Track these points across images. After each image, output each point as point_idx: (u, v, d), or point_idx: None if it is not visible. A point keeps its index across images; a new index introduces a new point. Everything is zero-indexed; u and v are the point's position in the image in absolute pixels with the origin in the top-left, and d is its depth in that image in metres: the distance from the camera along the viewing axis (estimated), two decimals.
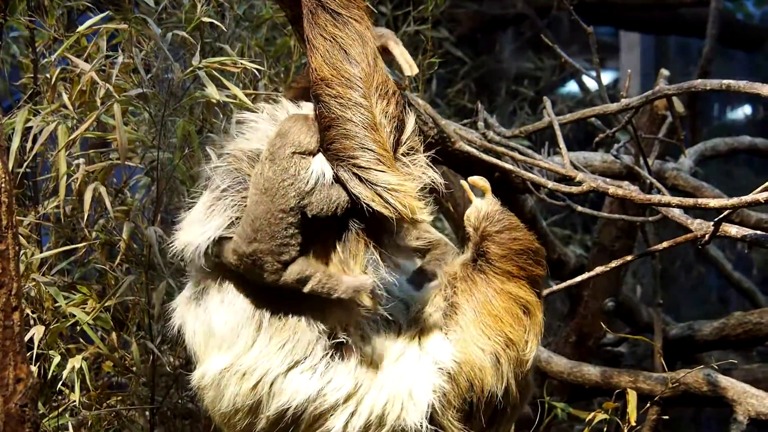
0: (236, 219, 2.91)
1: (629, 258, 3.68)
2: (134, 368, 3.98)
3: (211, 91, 3.70)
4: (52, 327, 3.74)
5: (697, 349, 5.33)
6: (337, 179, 2.86)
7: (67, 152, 3.81)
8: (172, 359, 4.08)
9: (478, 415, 3.08)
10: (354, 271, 2.92)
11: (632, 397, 3.87)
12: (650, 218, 3.99)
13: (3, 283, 2.80)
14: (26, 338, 3.33)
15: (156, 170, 3.96)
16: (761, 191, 2.91)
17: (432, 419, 3.00)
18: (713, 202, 3.07)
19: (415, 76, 3.20)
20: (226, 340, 2.97)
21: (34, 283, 3.80)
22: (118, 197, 4.14)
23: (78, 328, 3.84)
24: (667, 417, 4.18)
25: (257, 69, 3.85)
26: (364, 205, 2.82)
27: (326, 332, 2.94)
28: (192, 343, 3.06)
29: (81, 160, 3.91)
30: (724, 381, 3.97)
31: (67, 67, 3.88)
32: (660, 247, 3.55)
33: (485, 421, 3.11)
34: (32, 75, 4.18)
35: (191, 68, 3.74)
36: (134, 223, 4.00)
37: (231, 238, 2.89)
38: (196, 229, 2.95)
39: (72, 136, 3.71)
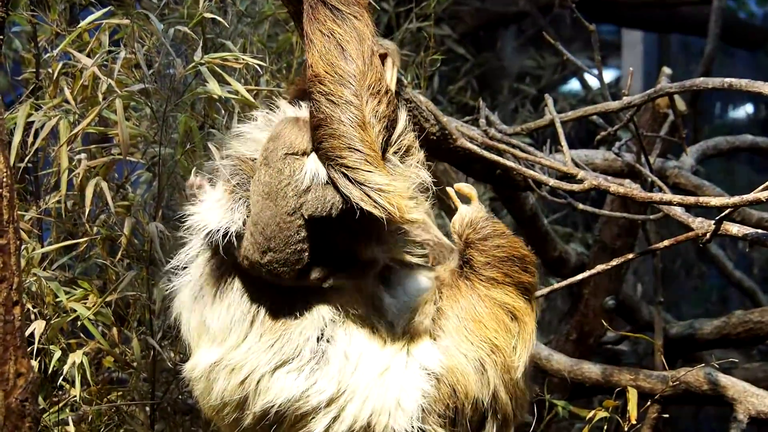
0: (247, 216, 2.94)
1: (630, 256, 3.68)
2: (135, 364, 3.98)
3: (213, 86, 3.70)
4: (52, 322, 3.75)
5: (697, 347, 5.32)
6: (329, 179, 2.87)
7: (69, 147, 3.81)
8: (172, 355, 4.08)
9: (463, 421, 3.07)
10: None
11: (633, 396, 3.87)
12: (651, 216, 3.98)
13: (4, 277, 2.81)
14: (27, 333, 3.33)
15: (157, 166, 3.96)
16: (762, 190, 2.91)
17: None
18: (715, 201, 3.07)
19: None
20: (218, 335, 3.00)
21: (35, 278, 3.80)
22: (120, 192, 4.14)
23: (79, 323, 3.84)
24: (667, 415, 4.18)
25: (259, 65, 3.84)
26: (354, 205, 2.82)
27: (316, 333, 2.96)
28: (186, 333, 3.10)
29: (82, 155, 3.91)
30: (725, 380, 3.97)
31: (69, 62, 3.88)
32: (661, 245, 3.55)
33: (472, 427, 3.10)
34: (34, 70, 4.18)
35: (193, 64, 3.74)
36: (135, 219, 4.00)
37: (243, 234, 2.91)
38: (217, 215, 2.95)
39: (74, 131, 3.71)
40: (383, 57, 3.04)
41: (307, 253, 2.87)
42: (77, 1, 4.29)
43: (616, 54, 9.48)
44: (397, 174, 2.89)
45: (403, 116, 2.99)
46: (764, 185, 2.92)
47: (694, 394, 4.07)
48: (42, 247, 3.96)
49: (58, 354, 3.71)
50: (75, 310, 3.75)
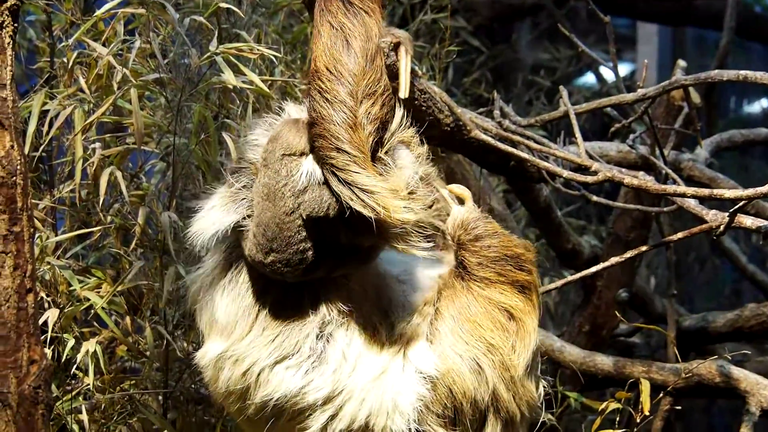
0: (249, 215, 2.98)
1: (644, 248, 3.68)
2: (148, 353, 3.99)
3: (228, 76, 3.71)
4: (66, 310, 3.75)
5: (710, 340, 5.31)
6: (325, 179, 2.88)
7: (83, 136, 3.82)
8: (185, 345, 4.10)
9: (464, 421, 3.07)
10: None
11: (645, 387, 3.87)
12: (665, 209, 3.97)
13: (18, 265, 2.81)
14: (41, 321, 3.34)
15: (172, 155, 3.97)
16: None
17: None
18: (729, 193, 3.06)
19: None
20: (226, 327, 3.05)
21: (48, 266, 3.82)
22: (134, 182, 4.15)
23: (92, 312, 3.85)
24: (679, 407, 4.18)
25: (274, 55, 3.84)
26: (345, 205, 2.82)
27: (316, 330, 2.98)
28: (199, 323, 3.17)
29: (97, 145, 3.91)
30: (737, 372, 3.97)
31: (83, 51, 3.89)
32: (675, 237, 3.54)
33: (473, 427, 3.10)
34: (49, 59, 4.19)
35: (208, 54, 3.75)
36: (149, 208, 4.01)
37: (248, 228, 2.93)
38: (215, 215, 3.01)
39: (88, 121, 3.72)
40: (396, 46, 3.03)
41: (310, 252, 2.88)
42: None
43: (631, 47, 9.47)
44: (388, 175, 2.88)
45: (399, 113, 2.98)
46: None
47: (706, 386, 4.06)
48: (56, 235, 3.97)
49: (71, 342, 3.72)
50: (88, 299, 3.76)
